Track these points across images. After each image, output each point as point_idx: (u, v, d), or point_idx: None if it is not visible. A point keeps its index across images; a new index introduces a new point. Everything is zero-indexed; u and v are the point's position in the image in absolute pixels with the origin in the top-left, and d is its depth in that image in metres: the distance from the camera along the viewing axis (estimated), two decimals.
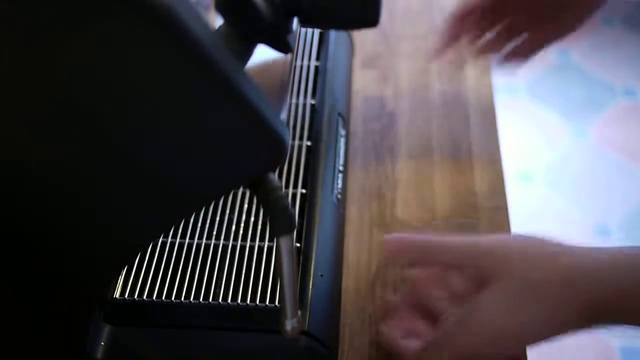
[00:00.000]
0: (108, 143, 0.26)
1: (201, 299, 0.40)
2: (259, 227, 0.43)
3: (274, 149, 0.29)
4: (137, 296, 0.40)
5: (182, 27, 0.22)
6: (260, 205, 0.44)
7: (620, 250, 0.37)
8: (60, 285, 0.34)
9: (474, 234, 0.40)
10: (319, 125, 0.49)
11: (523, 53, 0.57)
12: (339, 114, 0.52)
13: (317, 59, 0.53)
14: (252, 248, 0.42)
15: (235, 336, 0.39)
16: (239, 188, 0.45)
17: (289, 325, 0.35)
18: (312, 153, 0.47)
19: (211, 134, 0.27)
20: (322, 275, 0.42)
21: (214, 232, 0.43)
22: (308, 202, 0.44)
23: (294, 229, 0.33)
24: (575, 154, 1.55)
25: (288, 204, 0.32)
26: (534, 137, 1.59)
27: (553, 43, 0.57)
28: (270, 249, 0.42)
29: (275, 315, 0.37)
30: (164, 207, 0.30)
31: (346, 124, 0.54)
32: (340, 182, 0.48)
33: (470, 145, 0.60)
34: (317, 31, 0.55)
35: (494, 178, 0.57)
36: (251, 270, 0.41)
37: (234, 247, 0.42)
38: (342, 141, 0.51)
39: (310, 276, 0.41)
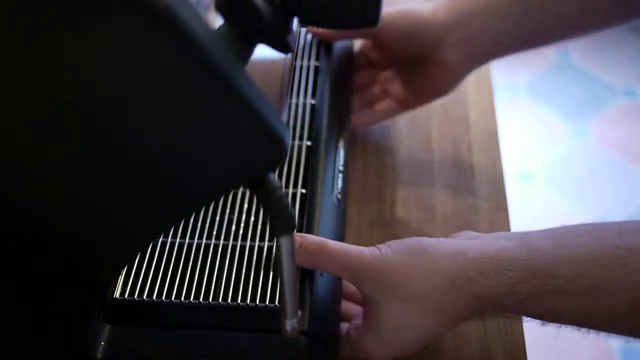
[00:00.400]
0: (108, 143, 0.26)
1: (201, 299, 0.40)
2: (259, 227, 0.43)
3: (274, 149, 0.29)
4: (137, 296, 0.40)
5: (182, 27, 0.22)
6: (260, 205, 0.44)
7: (504, 248, 0.37)
8: (60, 285, 0.35)
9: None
10: (319, 125, 0.49)
11: (375, 116, 0.57)
12: (340, 114, 0.52)
13: (317, 59, 0.53)
14: (252, 248, 0.42)
15: (235, 336, 0.39)
16: (239, 188, 0.45)
17: (289, 325, 0.35)
18: (312, 153, 0.47)
19: (211, 134, 0.27)
20: (322, 275, 0.42)
21: (214, 232, 0.43)
22: (308, 202, 0.44)
23: (294, 229, 0.33)
24: (575, 154, 1.55)
25: (288, 204, 0.32)
26: (534, 137, 1.59)
27: (415, 106, 0.57)
28: (270, 249, 0.42)
29: (276, 315, 0.37)
30: (164, 207, 0.30)
31: (347, 124, 0.54)
32: (340, 182, 0.48)
33: (470, 145, 0.60)
34: None
35: (494, 178, 0.57)
36: (251, 270, 0.41)
37: (234, 247, 0.42)
38: (342, 141, 0.51)
39: (310, 276, 0.41)
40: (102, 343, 0.38)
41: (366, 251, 0.39)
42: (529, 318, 0.39)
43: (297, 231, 0.42)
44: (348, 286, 0.46)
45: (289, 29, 0.33)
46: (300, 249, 0.39)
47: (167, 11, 0.22)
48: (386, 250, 0.39)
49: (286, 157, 0.30)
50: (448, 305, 0.38)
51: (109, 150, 0.27)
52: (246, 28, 0.32)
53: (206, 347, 0.39)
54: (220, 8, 0.31)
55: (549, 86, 1.69)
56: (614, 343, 1.23)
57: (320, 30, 0.55)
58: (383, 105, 0.57)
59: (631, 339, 0.37)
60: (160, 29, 0.22)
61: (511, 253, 0.37)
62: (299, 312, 0.35)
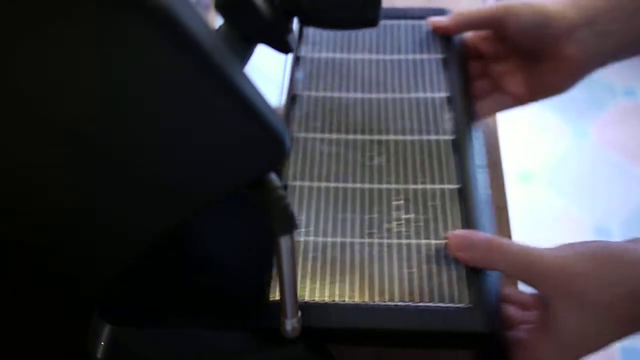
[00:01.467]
0: (107, 144, 0.26)
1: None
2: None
3: (273, 149, 0.29)
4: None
5: (182, 27, 0.22)
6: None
7: None
8: (60, 285, 0.35)
9: (532, 246, 0.38)
10: (457, 118, 0.48)
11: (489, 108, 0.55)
12: (471, 106, 0.52)
13: (443, 51, 0.53)
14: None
15: (246, 335, 0.39)
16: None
17: (289, 325, 0.35)
18: (457, 147, 0.46)
19: (210, 135, 0.27)
20: (487, 275, 0.41)
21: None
22: (462, 198, 0.44)
23: (294, 229, 0.32)
24: (575, 154, 1.55)
25: (289, 204, 0.32)
26: (534, 137, 1.59)
27: (528, 101, 0.55)
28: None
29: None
30: (164, 208, 0.30)
31: (475, 117, 0.53)
32: (485, 175, 0.47)
33: None
34: None
35: (494, 178, 0.57)
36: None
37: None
38: (476, 134, 0.50)
39: (476, 274, 0.40)
40: (102, 343, 0.38)
41: (544, 251, 0.38)
42: None
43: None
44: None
45: (288, 29, 0.33)
46: (473, 245, 0.39)
47: (166, 11, 0.22)
48: (567, 253, 0.38)
49: (285, 157, 0.30)
50: (634, 318, 0.36)
51: (108, 151, 0.27)
52: (246, 28, 0.32)
53: (208, 346, 0.39)
54: (220, 8, 0.31)
55: None
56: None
57: (443, 22, 0.54)
58: (495, 98, 0.55)
59: None
60: (159, 29, 0.22)
61: None
62: (299, 312, 0.35)
